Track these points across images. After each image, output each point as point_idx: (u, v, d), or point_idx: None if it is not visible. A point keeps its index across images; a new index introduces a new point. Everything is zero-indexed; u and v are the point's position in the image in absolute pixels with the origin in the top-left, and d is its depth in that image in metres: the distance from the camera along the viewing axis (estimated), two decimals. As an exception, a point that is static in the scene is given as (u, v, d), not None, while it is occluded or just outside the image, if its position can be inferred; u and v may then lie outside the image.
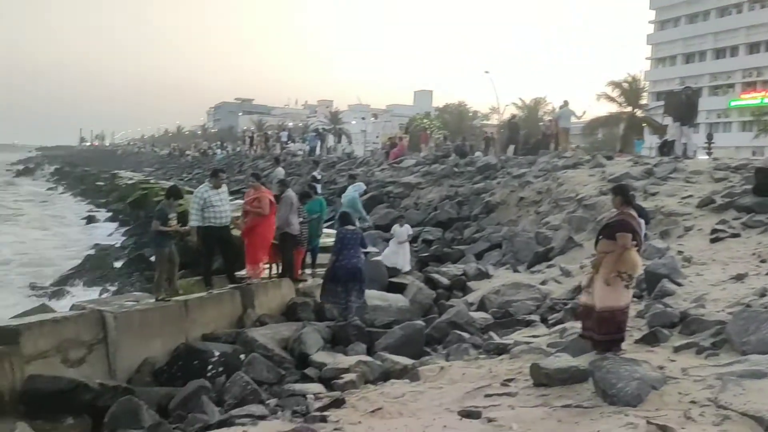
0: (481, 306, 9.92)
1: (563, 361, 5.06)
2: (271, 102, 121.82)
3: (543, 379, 4.89)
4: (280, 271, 10.35)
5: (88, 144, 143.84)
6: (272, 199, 9.85)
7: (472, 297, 10.59)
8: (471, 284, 11.34)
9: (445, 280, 11.41)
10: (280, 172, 17.20)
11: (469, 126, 52.37)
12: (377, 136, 52.92)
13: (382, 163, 26.72)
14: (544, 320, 8.68)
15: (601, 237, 5.72)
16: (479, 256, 13.42)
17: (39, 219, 29.24)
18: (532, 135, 29.93)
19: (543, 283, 10.38)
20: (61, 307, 10.60)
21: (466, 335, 8.02)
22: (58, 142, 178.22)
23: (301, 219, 10.23)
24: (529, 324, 8.54)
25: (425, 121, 50.64)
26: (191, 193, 10.31)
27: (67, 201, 37.59)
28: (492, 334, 8.02)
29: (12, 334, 6.21)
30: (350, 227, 9.66)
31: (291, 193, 10.29)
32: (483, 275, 11.71)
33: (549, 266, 11.53)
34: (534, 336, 7.58)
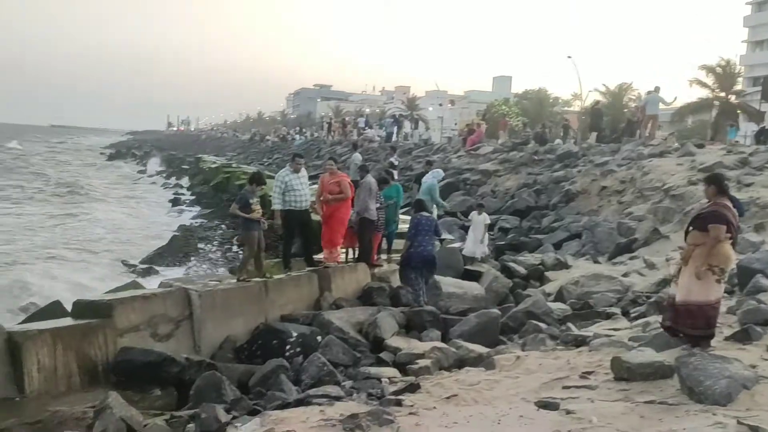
0: (559, 297, 9.73)
1: (647, 355, 4.88)
2: (349, 88, 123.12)
3: (624, 373, 4.73)
4: (356, 255, 10.49)
5: (174, 129, 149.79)
6: (350, 183, 10.01)
7: (549, 287, 10.40)
8: (549, 274, 11.13)
9: (522, 270, 11.24)
10: (357, 157, 17.33)
11: (550, 113, 51.06)
12: (455, 123, 52.45)
13: (459, 149, 26.49)
14: (625, 313, 8.43)
15: (691, 228, 5.46)
16: (557, 246, 13.14)
17: (129, 199, 30.74)
18: (617, 122, 28.86)
19: (625, 275, 10.06)
20: (150, 284, 11.11)
21: (543, 326, 7.89)
22: (146, 126, 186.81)
23: (378, 204, 10.31)
24: (609, 317, 8.31)
25: (504, 107, 49.74)
26: (272, 177, 10.56)
27: (156, 183, 39.29)
28: (570, 325, 7.84)
29: (106, 308, 6.58)
30: (425, 214, 9.71)
31: (370, 179, 10.37)
32: (561, 265, 11.46)
33: (632, 258, 11.17)
34: (615, 329, 7.37)
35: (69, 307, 7.40)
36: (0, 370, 5.58)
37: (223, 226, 20.43)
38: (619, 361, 4.82)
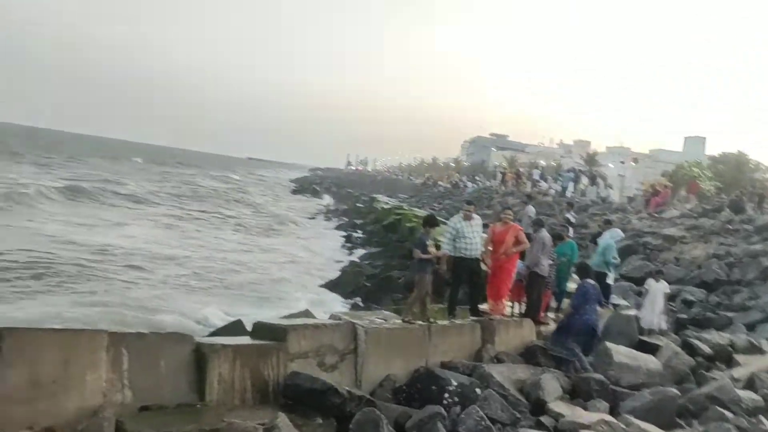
0: (750, 385, 8.67)
1: None
2: (526, 139, 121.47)
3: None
4: (522, 310, 10.21)
5: (353, 168, 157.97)
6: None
7: (738, 372, 9.32)
8: (738, 358, 10.01)
9: (706, 348, 10.20)
10: (530, 210, 17.02)
11: (749, 179, 46.50)
12: (638, 182, 49.62)
13: (641, 211, 25.02)
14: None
15: None
16: (751, 327, 11.80)
17: (305, 232, 32.75)
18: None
19: (835, 370, 8.74)
20: (320, 314, 11.64)
21: (729, 414, 7.06)
22: (328, 164, 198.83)
23: (550, 261, 10.00)
24: (812, 416, 7.24)
25: (695, 169, 46.20)
26: (444, 222, 10.70)
27: (331, 219, 41.47)
28: (762, 419, 6.94)
29: (281, 333, 6.98)
30: (591, 282, 9.39)
31: (545, 234, 10.11)
32: (755, 350, 10.27)
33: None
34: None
35: (249, 327, 8.00)
36: (186, 377, 6.11)
37: (391, 265, 20.94)
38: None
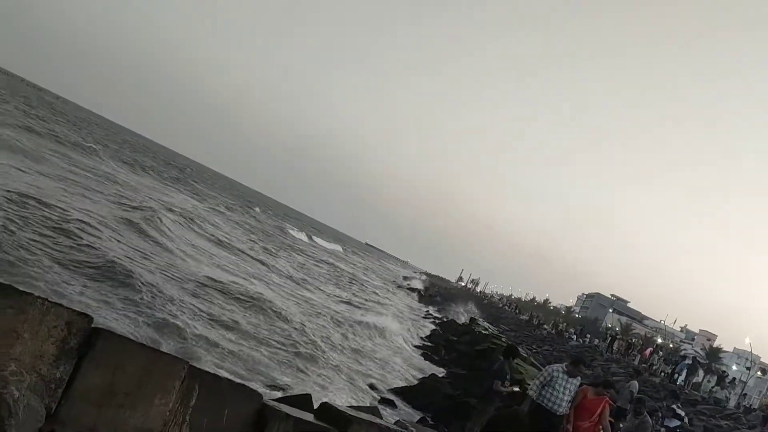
0: None
1: None
2: (646, 310, 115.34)
3: None
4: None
5: (462, 284, 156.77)
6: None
7: None
8: None
9: None
10: (634, 386, 15.82)
11: None
12: (764, 396, 45.03)
13: (756, 426, 22.50)
14: None
15: None
16: None
17: (401, 330, 32.59)
18: None
19: None
20: (388, 416, 11.33)
21: None
22: (439, 272, 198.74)
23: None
24: None
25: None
26: (534, 366, 10.23)
27: (426, 325, 41.00)
28: None
29: (345, 422, 6.82)
30: None
31: (649, 420, 9.32)
32: None
33: None
34: None
35: (316, 405, 7.91)
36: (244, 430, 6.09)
37: (471, 392, 20.13)
38: None
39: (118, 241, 18.71)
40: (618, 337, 49.81)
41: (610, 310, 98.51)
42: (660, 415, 12.97)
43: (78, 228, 17.08)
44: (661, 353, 43.57)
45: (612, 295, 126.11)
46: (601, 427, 9.00)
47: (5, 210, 15.30)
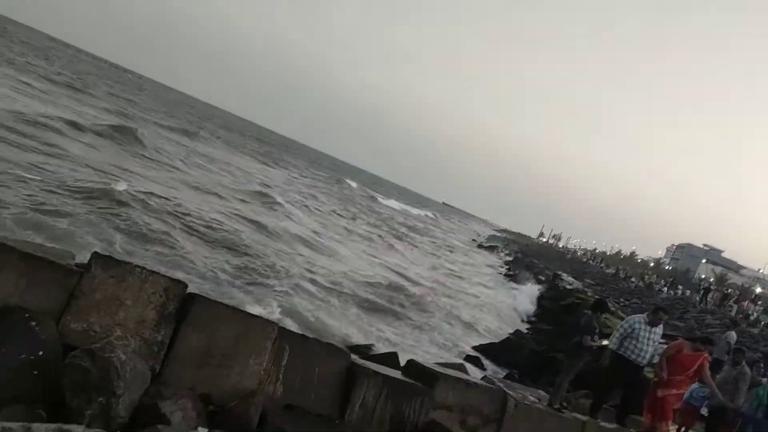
0: None
1: None
2: (744, 260, 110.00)
3: None
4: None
5: (544, 240, 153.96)
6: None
7: None
8: None
9: None
10: (732, 336, 15.19)
11: None
12: None
13: None
14: None
15: None
16: None
17: (481, 288, 32.56)
18: None
19: None
20: (473, 373, 11.40)
21: None
22: (519, 229, 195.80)
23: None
24: None
25: None
26: (622, 320, 9.93)
27: (508, 282, 40.72)
28: None
29: (432, 378, 6.93)
30: None
31: (748, 371, 8.94)
32: None
33: None
34: None
35: (402, 361, 8.06)
36: (333, 390, 6.28)
37: (557, 347, 19.93)
38: None
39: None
40: (712, 287, 47.79)
41: (703, 261, 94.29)
42: (761, 366, 12.40)
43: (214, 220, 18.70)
44: (760, 303, 41.56)
45: (704, 245, 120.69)
46: (696, 381, 8.71)
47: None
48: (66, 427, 3.91)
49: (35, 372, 4.52)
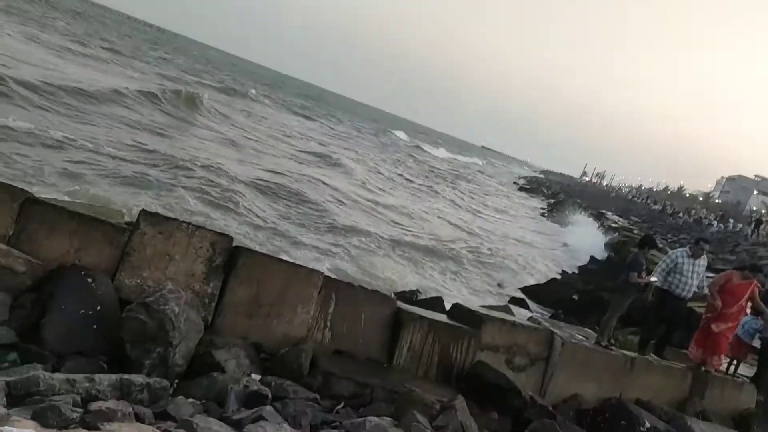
0: None
1: None
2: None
3: None
4: (734, 371, 9.06)
5: (587, 179, 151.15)
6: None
7: None
8: None
9: None
10: (784, 267, 14.80)
11: None
12: None
13: None
14: None
15: None
16: None
17: (532, 231, 32.46)
18: None
19: None
20: (520, 314, 11.44)
21: None
22: (562, 169, 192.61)
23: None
24: None
25: None
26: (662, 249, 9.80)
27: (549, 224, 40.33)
28: None
29: (478, 320, 6.98)
30: None
31: None
32: None
33: None
34: None
35: (447, 306, 8.13)
36: (380, 335, 6.40)
37: (605, 286, 19.80)
38: None
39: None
40: (764, 219, 46.34)
41: (755, 192, 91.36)
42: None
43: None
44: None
45: (756, 176, 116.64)
46: (749, 311, 8.59)
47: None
48: (127, 376, 4.10)
49: (95, 326, 4.72)
